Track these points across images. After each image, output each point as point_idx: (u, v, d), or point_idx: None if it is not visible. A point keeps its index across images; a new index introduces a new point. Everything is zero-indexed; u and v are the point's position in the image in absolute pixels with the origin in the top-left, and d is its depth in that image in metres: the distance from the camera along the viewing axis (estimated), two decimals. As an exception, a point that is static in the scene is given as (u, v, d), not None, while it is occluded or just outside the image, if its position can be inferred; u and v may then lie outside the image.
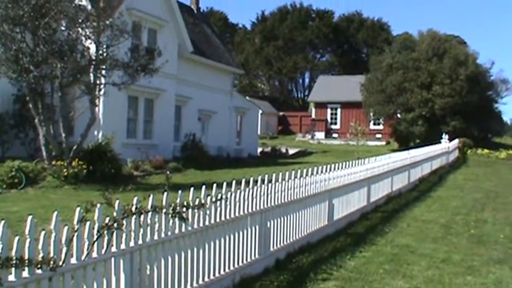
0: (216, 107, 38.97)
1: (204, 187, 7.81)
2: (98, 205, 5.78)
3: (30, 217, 5.12)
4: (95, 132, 25.37)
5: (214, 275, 8.12)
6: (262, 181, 9.57)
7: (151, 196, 6.65)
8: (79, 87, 22.77)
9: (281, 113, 75.00)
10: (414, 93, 49.97)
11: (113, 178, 22.00)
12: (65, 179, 20.57)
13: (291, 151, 49.13)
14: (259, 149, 46.71)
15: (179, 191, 7.19)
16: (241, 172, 26.04)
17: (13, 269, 4.84)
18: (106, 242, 5.94)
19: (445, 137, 40.07)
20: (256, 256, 9.40)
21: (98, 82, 22.51)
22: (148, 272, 6.67)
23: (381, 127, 61.49)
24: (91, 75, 22.25)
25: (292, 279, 9.21)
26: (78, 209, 5.58)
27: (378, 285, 9.07)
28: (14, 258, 4.78)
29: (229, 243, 8.55)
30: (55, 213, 5.42)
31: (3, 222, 4.87)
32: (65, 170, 20.67)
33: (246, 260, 9.09)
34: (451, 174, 29.58)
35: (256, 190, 9.34)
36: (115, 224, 5.90)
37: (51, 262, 5.13)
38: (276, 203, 10.04)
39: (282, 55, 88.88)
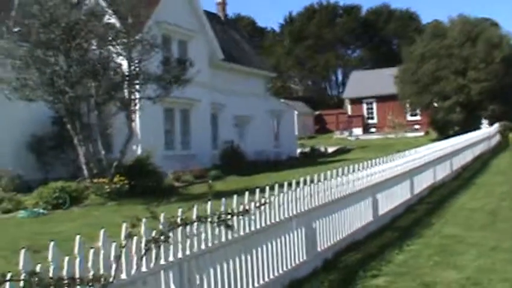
0: (252, 112, 39.01)
1: (246, 193, 7.81)
2: (144, 219, 5.82)
3: (78, 236, 5.18)
4: (134, 147, 25.59)
5: (263, 280, 8.10)
6: (305, 182, 9.54)
7: (195, 206, 6.67)
8: (114, 104, 23.01)
9: (317, 112, 74.81)
10: (449, 80, 49.42)
11: (155, 191, 22.12)
12: (107, 195, 20.77)
13: (330, 149, 49.00)
14: (298, 150, 46.64)
15: (222, 199, 7.20)
16: (282, 175, 26.01)
17: (65, 288, 4.89)
18: (154, 255, 5.97)
19: (485, 122, 39.51)
20: (304, 258, 9.36)
21: (133, 97, 22.71)
22: (197, 282, 6.69)
23: (418, 118, 60.99)
24: (125, 91, 22.45)
25: (341, 278, 9.15)
26: (124, 224, 5.63)
27: (429, 278, 8.96)
28: (65, 277, 4.83)
29: (275, 248, 8.52)
30: (102, 230, 5.47)
31: (52, 243, 4.93)
32: (107, 186, 20.88)
33: (294, 262, 9.05)
34: (494, 160, 29.16)
35: (300, 191, 9.31)
36: (162, 237, 5.93)
37: (102, 279, 5.17)
38: (320, 203, 9.99)
39: (313, 54, 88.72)
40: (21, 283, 4.43)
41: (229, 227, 7.00)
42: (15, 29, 21.16)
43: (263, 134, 40.63)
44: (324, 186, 10.23)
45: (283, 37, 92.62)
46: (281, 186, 8.82)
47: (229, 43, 39.40)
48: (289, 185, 9.05)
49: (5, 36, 20.57)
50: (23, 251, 4.66)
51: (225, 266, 7.22)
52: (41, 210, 18.81)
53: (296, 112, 53.03)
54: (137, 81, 22.37)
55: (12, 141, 24.78)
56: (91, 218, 17.26)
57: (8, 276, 4.41)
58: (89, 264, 5.21)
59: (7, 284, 4.41)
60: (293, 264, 8.99)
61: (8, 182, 22.63)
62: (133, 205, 19.17)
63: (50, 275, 4.72)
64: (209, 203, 6.91)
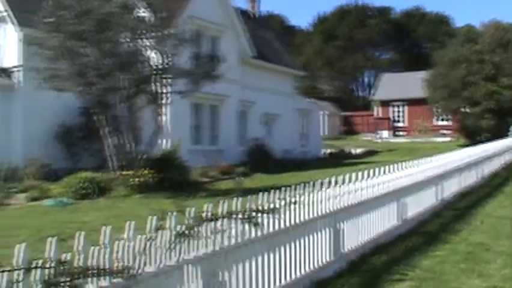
0: (280, 110, 38.97)
1: (273, 191, 7.79)
2: (173, 213, 5.82)
3: (105, 227, 5.19)
4: (161, 141, 25.68)
5: (286, 279, 8.08)
6: (330, 183, 9.50)
7: (222, 202, 6.66)
8: (144, 97, 23.09)
9: (345, 113, 74.54)
10: (479, 86, 48.90)
11: (181, 185, 22.19)
12: (134, 188, 20.84)
13: (357, 151, 48.73)
14: (325, 150, 46.51)
15: (249, 196, 7.19)
16: (308, 174, 25.94)
17: (92, 278, 4.90)
18: (180, 249, 5.97)
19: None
20: (328, 259, 9.32)
21: (162, 91, 22.78)
22: (222, 278, 6.68)
23: (447, 123, 60.43)
24: (155, 84, 22.51)
25: (365, 281, 9.09)
26: (152, 217, 5.64)
27: (454, 285, 8.88)
28: (92, 268, 4.85)
29: (301, 247, 8.50)
30: (129, 222, 5.48)
31: (82, 233, 4.96)
32: (133, 179, 20.95)
33: (318, 263, 9.02)
34: (524, 168, 28.80)
35: (326, 192, 9.27)
36: (189, 232, 5.93)
37: (128, 271, 5.18)
38: (347, 204, 9.95)
39: (342, 54, 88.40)
40: (50, 271, 4.46)
41: (256, 224, 6.98)
42: (49, 20, 21.31)
43: (290, 133, 40.58)
44: (350, 188, 10.18)
45: (314, 36, 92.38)
46: (307, 186, 8.79)
47: (259, 40, 39.36)
48: (316, 185, 9.01)
49: (38, 26, 20.73)
50: (51, 239, 4.68)
51: (250, 263, 7.20)
52: (67, 200, 18.96)
53: (324, 112, 52.82)
54: (167, 76, 22.42)
55: (41, 131, 25.05)
56: (117, 209, 17.36)
57: (35, 264, 4.43)
58: (116, 255, 5.23)
59: (34, 272, 4.43)
60: (318, 265, 8.96)
61: (36, 170, 22.89)
62: (159, 198, 19.26)
63: (77, 264, 4.74)
64: (236, 199, 6.90)
